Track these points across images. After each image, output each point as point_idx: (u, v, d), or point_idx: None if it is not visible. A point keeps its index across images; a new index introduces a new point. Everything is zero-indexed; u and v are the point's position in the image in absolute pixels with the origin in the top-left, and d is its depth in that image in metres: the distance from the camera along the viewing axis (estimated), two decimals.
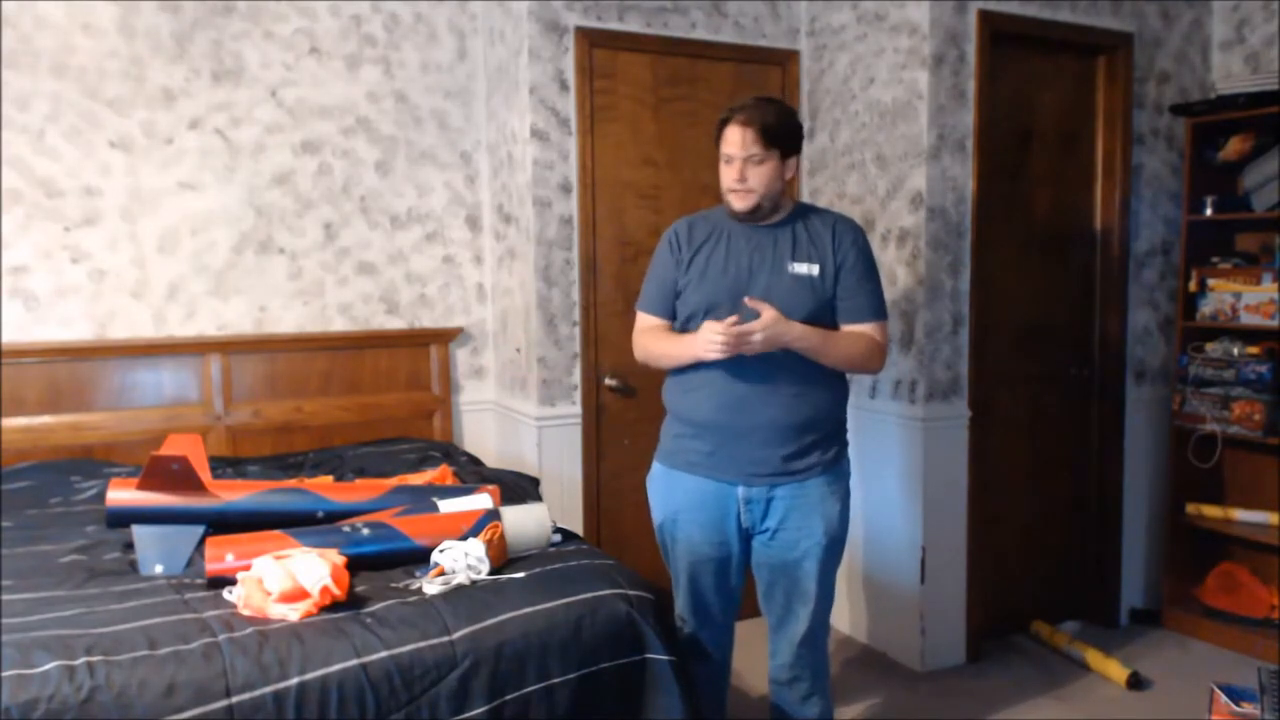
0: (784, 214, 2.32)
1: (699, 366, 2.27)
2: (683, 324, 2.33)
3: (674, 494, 2.36)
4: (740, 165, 2.23)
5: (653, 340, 2.38)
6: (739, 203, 2.26)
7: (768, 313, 2.13)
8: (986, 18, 3.23)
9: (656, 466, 2.45)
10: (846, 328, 2.29)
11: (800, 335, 2.18)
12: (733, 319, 2.13)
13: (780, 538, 2.29)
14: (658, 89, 3.45)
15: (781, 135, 2.24)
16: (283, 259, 3.44)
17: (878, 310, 2.31)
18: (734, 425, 2.25)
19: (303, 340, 3.45)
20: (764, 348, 2.15)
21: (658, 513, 2.43)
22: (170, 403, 3.28)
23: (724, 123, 2.27)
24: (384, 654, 1.70)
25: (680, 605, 2.39)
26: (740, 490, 2.29)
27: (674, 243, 2.37)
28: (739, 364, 2.21)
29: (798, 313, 2.22)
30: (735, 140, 2.23)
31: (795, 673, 2.38)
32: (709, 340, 2.13)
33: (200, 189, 3.31)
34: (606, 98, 3.37)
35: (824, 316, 2.27)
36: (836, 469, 2.34)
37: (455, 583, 1.96)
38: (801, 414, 2.26)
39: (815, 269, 2.27)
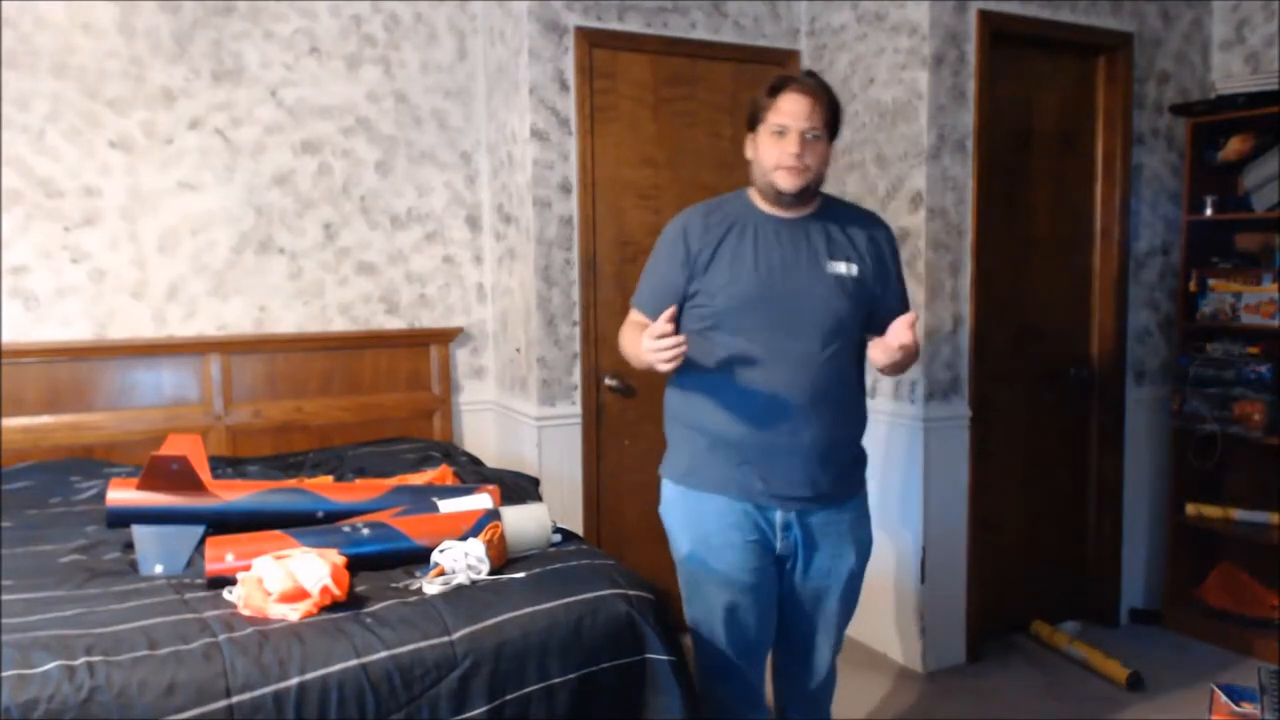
0: (814, 206, 2.09)
1: (729, 373, 2.03)
2: (704, 331, 2.05)
3: (703, 518, 2.09)
4: (799, 138, 1.97)
5: (626, 339, 2.14)
6: (789, 181, 1.99)
7: (910, 315, 1.93)
8: (986, 18, 3.23)
9: (673, 490, 2.16)
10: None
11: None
12: (671, 310, 1.89)
13: (817, 565, 2.10)
14: (658, 89, 3.45)
15: (838, 116, 2.04)
16: (283, 259, 3.44)
17: None
18: (774, 443, 2.02)
19: (303, 340, 3.45)
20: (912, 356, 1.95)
21: (684, 542, 2.13)
22: (170, 403, 3.27)
23: (777, 89, 2.00)
24: (384, 654, 1.70)
25: (718, 644, 2.10)
26: (779, 515, 2.07)
27: (685, 239, 2.08)
28: (778, 374, 2.01)
29: (836, 316, 2.03)
30: (798, 110, 1.97)
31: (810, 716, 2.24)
32: (651, 349, 1.87)
33: (200, 189, 3.31)
34: (606, 98, 3.36)
35: (858, 320, 2.07)
36: (863, 491, 2.18)
37: (455, 583, 1.95)
38: (843, 432, 2.08)
39: (854, 269, 2.05)
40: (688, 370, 2.03)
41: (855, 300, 2.06)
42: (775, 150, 2.00)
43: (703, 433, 2.10)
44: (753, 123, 2.06)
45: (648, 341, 1.88)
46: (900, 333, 1.90)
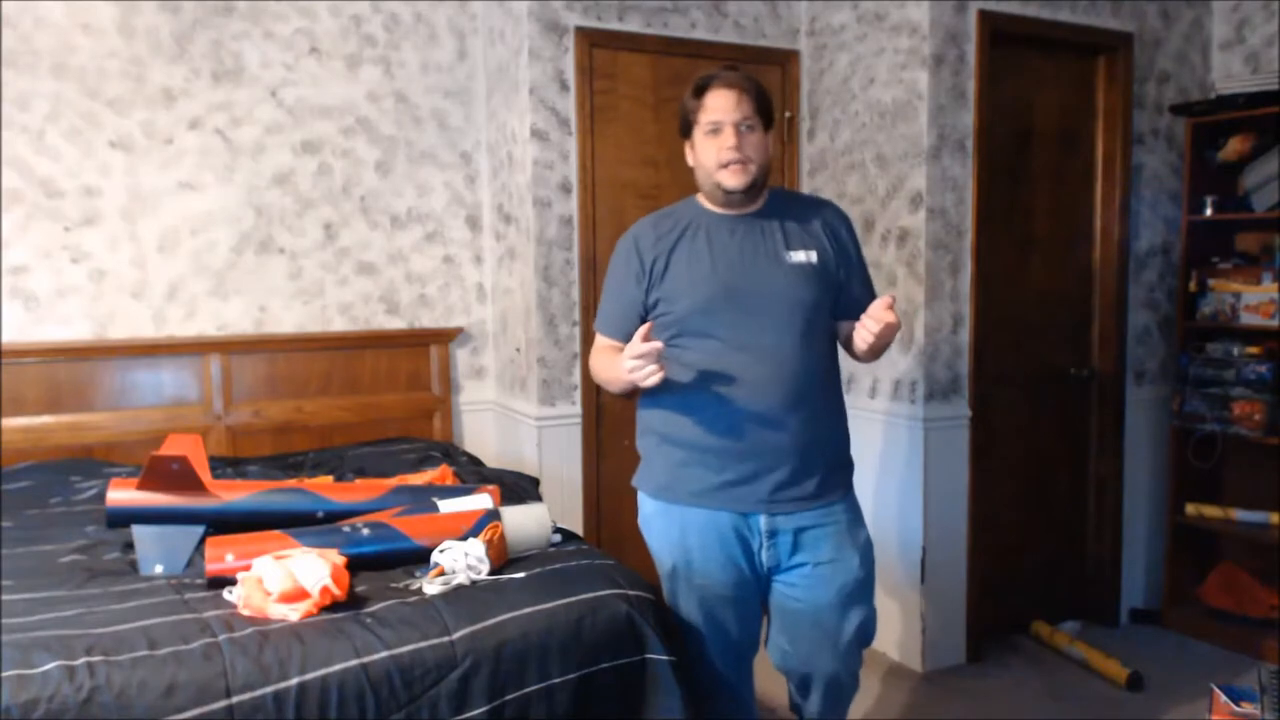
0: (763, 201, 2.08)
1: (700, 379, 2.00)
2: (670, 340, 2.01)
3: (685, 533, 2.05)
4: (733, 131, 1.97)
5: (599, 365, 2.11)
6: (735, 179, 1.98)
7: (888, 296, 1.88)
8: (986, 18, 3.23)
9: (651, 505, 2.13)
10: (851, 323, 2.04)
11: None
12: (646, 327, 1.85)
13: (819, 573, 2.04)
14: (658, 89, 3.45)
15: (769, 105, 2.04)
16: (283, 259, 3.44)
17: None
18: (753, 444, 1.99)
19: (303, 340, 3.45)
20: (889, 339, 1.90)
21: (666, 557, 2.10)
22: (170, 403, 3.28)
23: (702, 89, 2.00)
24: (384, 654, 1.70)
25: (703, 654, 2.09)
26: (763, 522, 2.02)
27: (638, 251, 2.07)
28: (751, 372, 1.98)
29: (804, 306, 2.01)
30: (726, 104, 1.97)
31: None
32: (631, 366, 1.83)
33: (200, 189, 3.31)
34: (606, 98, 3.37)
35: (825, 307, 2.06)
36: (853, 493, 2.13)
37: (455, 583, 1.95)
38: (824, 428, 2.05)
39: (813, 256, 2.04)
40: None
41: (819, 287, 2.04)
42: (713, 149, 2.00)
43: (678, 444, 2.06)
44: (686, 129, 2.07)
45: (629, 361, 1.83)
46: (881, 314, 1.86)
